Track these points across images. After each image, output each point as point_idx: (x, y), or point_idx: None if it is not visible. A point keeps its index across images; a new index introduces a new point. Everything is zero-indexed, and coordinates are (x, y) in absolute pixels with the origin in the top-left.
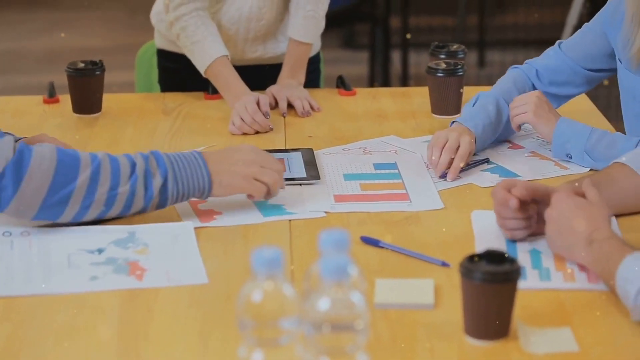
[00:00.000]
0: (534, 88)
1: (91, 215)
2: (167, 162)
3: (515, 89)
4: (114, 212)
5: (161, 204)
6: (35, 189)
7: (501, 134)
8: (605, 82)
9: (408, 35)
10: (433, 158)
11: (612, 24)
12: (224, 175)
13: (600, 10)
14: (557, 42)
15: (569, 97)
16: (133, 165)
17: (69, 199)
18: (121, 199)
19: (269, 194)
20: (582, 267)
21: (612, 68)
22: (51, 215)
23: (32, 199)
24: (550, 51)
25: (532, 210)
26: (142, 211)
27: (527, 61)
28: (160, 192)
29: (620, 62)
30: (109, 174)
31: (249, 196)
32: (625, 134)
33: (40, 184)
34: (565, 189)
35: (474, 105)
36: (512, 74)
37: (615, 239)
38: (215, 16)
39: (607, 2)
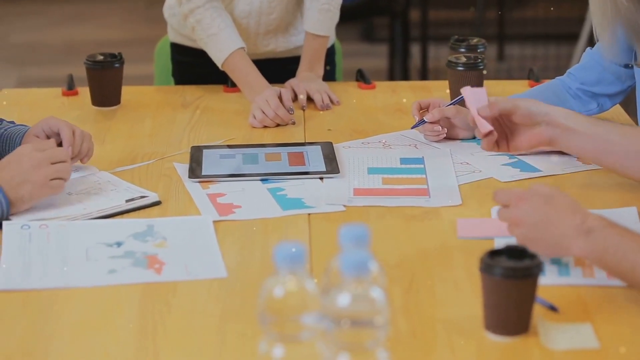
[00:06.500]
0: (564, 88)
1: None
2: None
3: (545, 88)
4: None
5: None
6: None
7: None
8: None
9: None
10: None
11: None
12: (23, 189)
13: None
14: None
15: (608, 96)
16: None
17: None
18: None
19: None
20: None
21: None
22: None
23: None
24: (585, 52)
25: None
26: None
27: None
28: None
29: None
30: None
31: None
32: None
33: None
34: (505, 193)
35: None
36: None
37: (616, 227)
38: (226, 10)
39: None
